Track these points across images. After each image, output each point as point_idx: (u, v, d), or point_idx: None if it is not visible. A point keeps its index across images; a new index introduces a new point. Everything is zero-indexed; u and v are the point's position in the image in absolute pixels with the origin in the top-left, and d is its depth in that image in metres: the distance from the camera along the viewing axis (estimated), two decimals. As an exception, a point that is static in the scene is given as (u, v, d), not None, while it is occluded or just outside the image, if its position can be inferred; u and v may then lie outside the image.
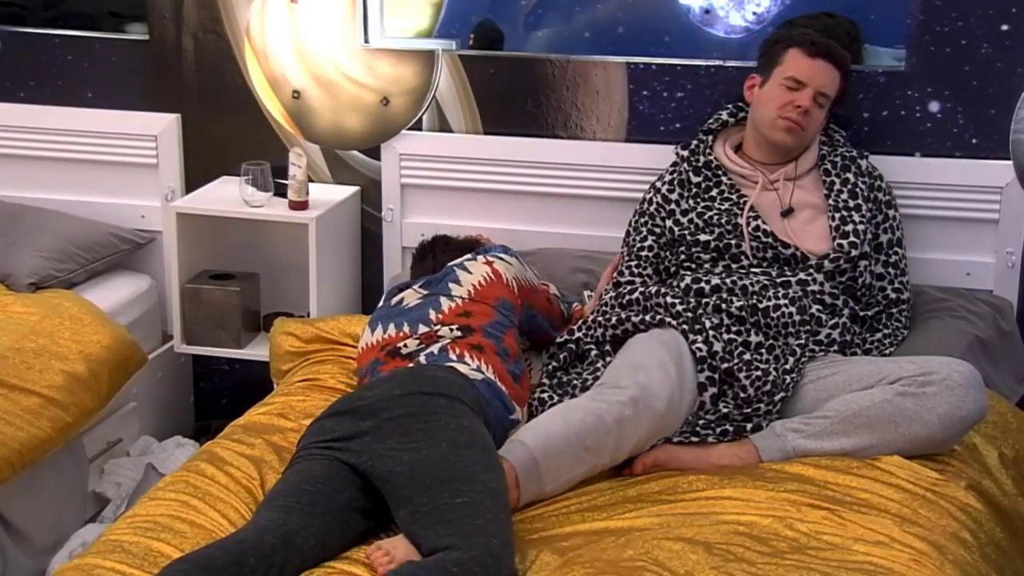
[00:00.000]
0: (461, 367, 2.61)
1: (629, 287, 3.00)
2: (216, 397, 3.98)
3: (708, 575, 2.10)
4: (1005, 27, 3.23)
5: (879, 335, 3.02)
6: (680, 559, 2.13)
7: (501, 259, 2.92)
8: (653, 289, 2.90)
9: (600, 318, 2.96)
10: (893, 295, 3.08)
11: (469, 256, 2.93)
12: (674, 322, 2.79)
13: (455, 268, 2.88)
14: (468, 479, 2.27)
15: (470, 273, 2.86)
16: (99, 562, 2.18)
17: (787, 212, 3.02)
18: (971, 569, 2.24)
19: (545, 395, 2.81)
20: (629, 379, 2.62)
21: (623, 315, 2.90)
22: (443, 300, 2.79)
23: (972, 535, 2.35)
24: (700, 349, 2.72)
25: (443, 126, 3.63)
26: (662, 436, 2.61)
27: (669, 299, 2.84)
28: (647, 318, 2.85)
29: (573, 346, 2.96)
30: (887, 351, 2.99)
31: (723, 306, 2.83)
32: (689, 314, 2.79)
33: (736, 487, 2.42)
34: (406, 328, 2.75)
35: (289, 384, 2.99)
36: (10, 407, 3.00)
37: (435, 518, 2.20)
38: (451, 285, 2.83)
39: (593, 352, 2.93)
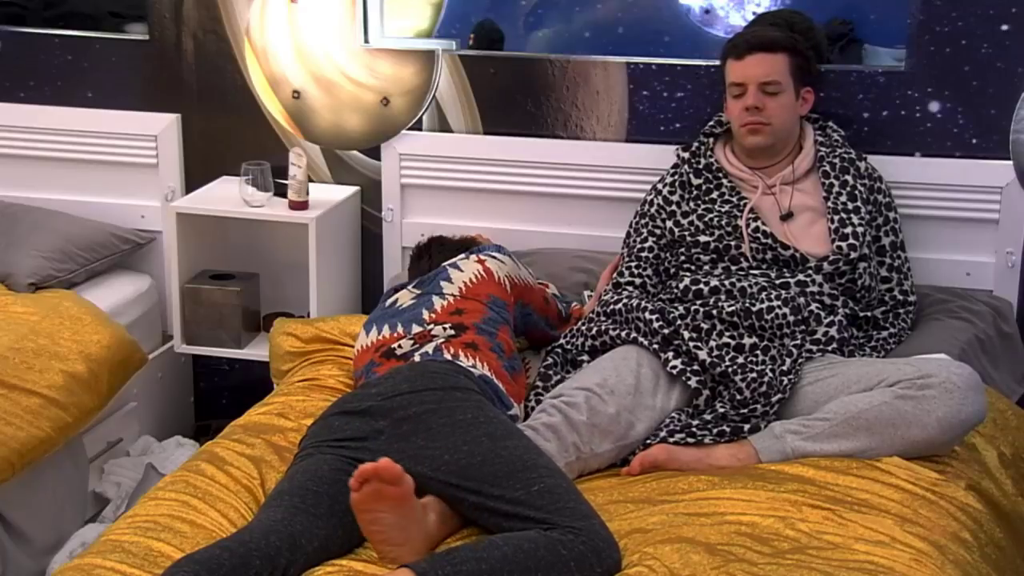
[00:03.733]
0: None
1: (617, 296, 3.00)
2: (216, 397, 3.98)
3: (710, 575, 2.10)
4: (1005, 27, 3.23)
5: (885, 333, 3.02)
6: (682, 559, 2.13)
7: (494, 258, 2.92)
8: (635, 303, 2.90)
9: (583, 327, 2.97)
10: (901, 296, 3.09)
11: (462, 255, 2.93)
12: (645, 340, 2.80)
13: (447, 267, 2.88)
14: (529, 467, 2.29)
15: (461, 271, 2.86)
16: (99, 562, 2.18)
17: (787, 216, 3.03)
18: (971, 569, 2.24)
19: (540, 398, 2.81)
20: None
21: (603, 326, 2.91)
22: (435, 299, 2.79)
23: (972, 535, 2.35)
24: (675, 367, 2.73)
25: (443, 126, 3.63)
26: (627, 428, 2.63)
27: (647, 315, 2.84)
28: (623, 333, 2.86)
29: (560, 350, 2.97)
30: (889, 346, 3.00)
31: (714, 312, 2.83)
32: (665, 331, 2.79)
33: (737, 488, 2.42)
34: (400, 329, 2.75)
35: (289, 384, 2.99)
36: (10, 407, 3.01)
37: (518, 510, 2.21)
38: (442, 283, 2.83)
39: (582, 359, 2.93)
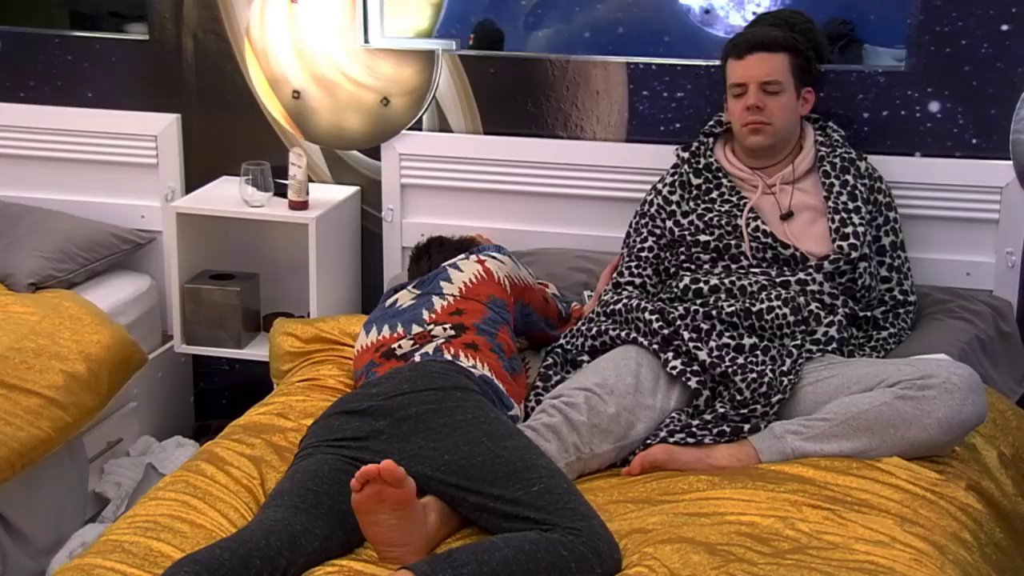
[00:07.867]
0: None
1: (617, 296, 3.00)
2: (216, 397, 3.98)
3: (710, 575, 2.10)
4: (1005, 27, 3.23)
5: (885, 333, 3.02)
6: (682, 559, 2.13)
7: (493, 258, 2.92)
8: (635, 303, 2.91)
9: (583, 327, 2.97)
10: (900, 296, 3.09)
11: (462, 256, 2.93)
12: (645, 340, 2.80)
13: (447, 267, 2.88)
14: (530, 468, 2.29)
15: (461, 271, 2.86)
16: (99, 562, 2.18)
17: (787, 216, 3.03)
18: (971, 569, 2.24)
19: (540, 398, 2.81)
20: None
21: (603, 326, 2.91)
22: (435, 299, 2.80)
23: (972, 535, 2.35)
24: (675, 368, 2.73)
25: (443, 126, 3.63)
26: (627, 428, 2.63)
27: (647, 315, 2.84)
28: (622, 333, 2.86)
29: (560, 350, 2.97)
30: (889, 346, 3.00)
31: (714, 312, 2.83)
32: (665, 331, 2.80)
33: (737, 488, 2.42)
34: (400, 329, 2.76)
35: (289, 384, 2.99)
36: (10, 407, 3.01)
37: (518, 511, 2.21)
38: (442, 284, 2.83)
39: (582, 359, 2.93)
